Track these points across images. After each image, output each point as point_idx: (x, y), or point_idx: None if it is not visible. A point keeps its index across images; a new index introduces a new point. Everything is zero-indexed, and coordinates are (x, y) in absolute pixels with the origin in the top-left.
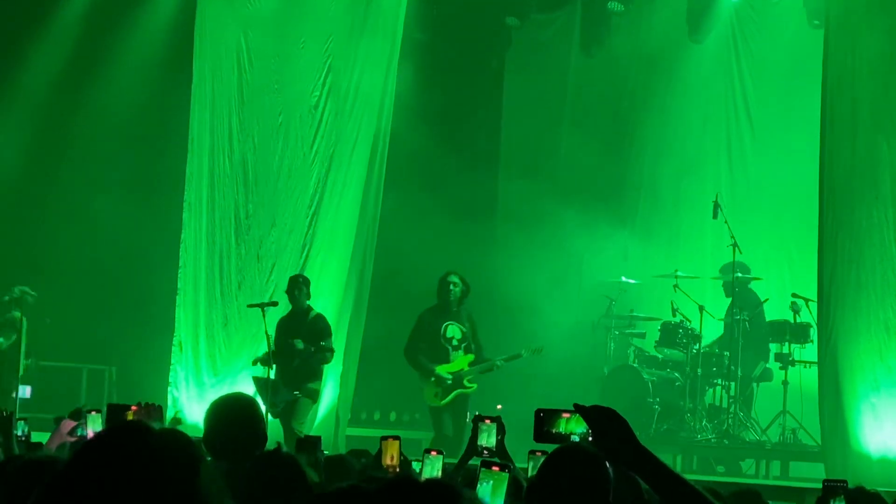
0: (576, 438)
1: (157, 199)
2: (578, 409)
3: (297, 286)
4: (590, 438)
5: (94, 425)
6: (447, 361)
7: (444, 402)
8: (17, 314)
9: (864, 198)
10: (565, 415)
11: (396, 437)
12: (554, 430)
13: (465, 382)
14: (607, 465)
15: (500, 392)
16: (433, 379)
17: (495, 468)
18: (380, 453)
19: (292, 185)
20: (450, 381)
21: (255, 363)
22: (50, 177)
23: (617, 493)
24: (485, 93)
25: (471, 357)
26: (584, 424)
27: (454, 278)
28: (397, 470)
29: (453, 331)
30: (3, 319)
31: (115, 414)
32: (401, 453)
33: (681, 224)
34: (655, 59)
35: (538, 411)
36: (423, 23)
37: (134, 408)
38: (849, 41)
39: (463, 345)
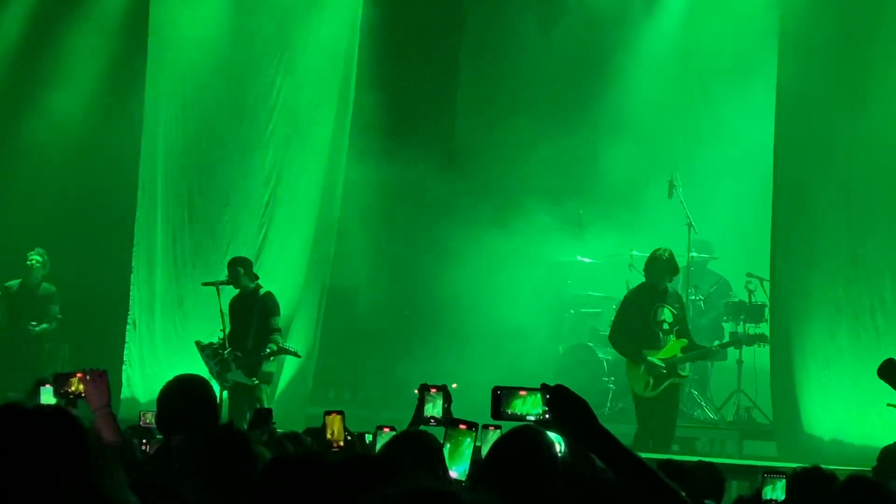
0: (531, 418)
1: (111, 177)
2: (545, 389)
3: (235, 269)
4: (546, 417)
5: (46, 398)
6: (657, 347)
7: (655, 392)
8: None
9: (818, 178)
10: (522, 393)
11: (340, 412)
12: (510, 410)
13: (679, 371)
14: (556, 447)
15: (455, 370)
16: (643, 367)
17: (462, 426)
18: (324, 427)
19: (247, 164)
20: (663, 370)
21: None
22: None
23: (572, 471)
24: (441, 72)
25: (684, 342)
26: (541, 404)
27: (662, 253)
28: (341, 444)
29: (665, 314)
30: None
31: (60, 382)
32: (345, 428)
33: (637, 203)
34: (611, 39)
35: (495, 389)
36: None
37: (79, 374)
38: (804, 19)
39: (675, 328)
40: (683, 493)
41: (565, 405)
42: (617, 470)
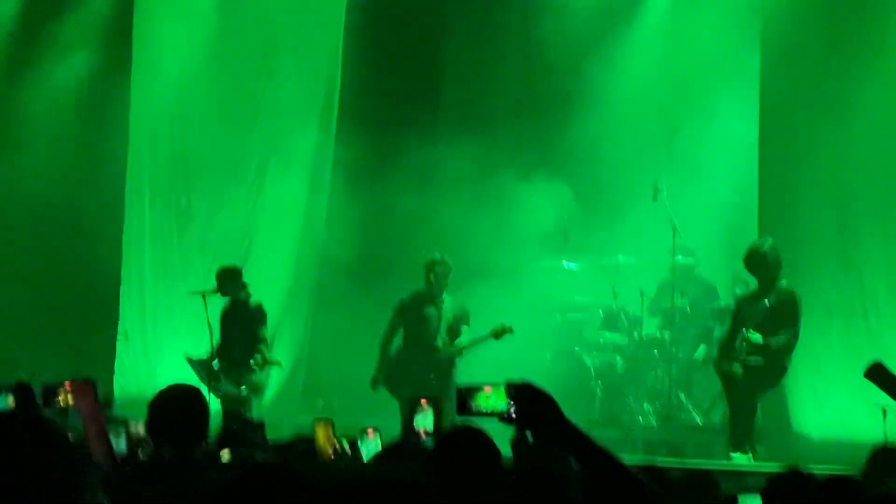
0: (496, 415)
1: (98, 186)
2: (509, 388)
3: (222, 278)
4: (512, 414)
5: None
6: None
7: None
8: None
9: (804, 181)
10: (486, 389)
11: (329, 421)
12: (475, 407)
13: None
14: (495, 446)
15: None
16: None
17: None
18: (313, 436)
19: (232, 172)
20: None
21: (188, 359)
22: None
23: (537, 468)
24: (425, 70)
25: None
26: (505, 400)
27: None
28: (331, 455)
29: None
30: None
31: (48, 393)
32: (334, 436)
33: (622, 207)
34: (591, 45)
35: (459, 389)
36: (363, 2)
37: (67, 384)
38: (786, 23)
39: None
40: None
41: (531, 400)
42: (585, 464)
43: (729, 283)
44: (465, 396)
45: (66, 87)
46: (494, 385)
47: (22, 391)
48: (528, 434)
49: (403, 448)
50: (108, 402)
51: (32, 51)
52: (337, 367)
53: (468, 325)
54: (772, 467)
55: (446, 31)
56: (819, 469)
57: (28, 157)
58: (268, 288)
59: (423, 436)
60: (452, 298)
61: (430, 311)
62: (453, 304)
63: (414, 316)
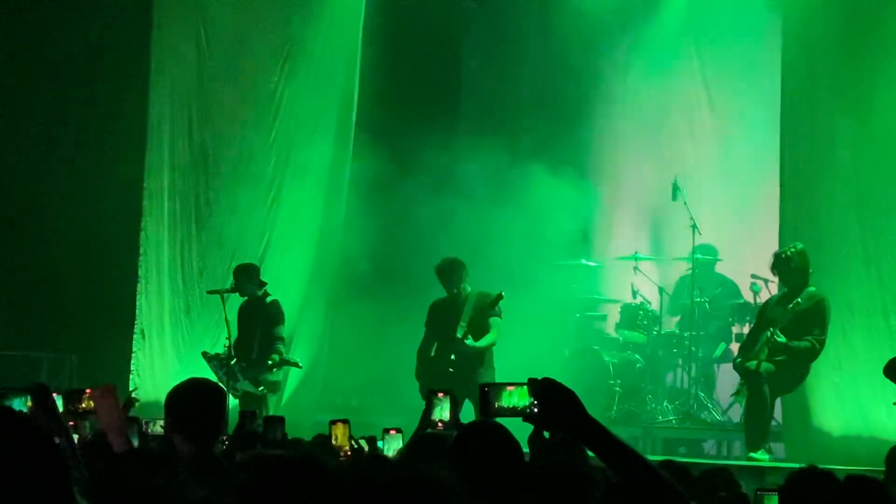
0: (519, 411)
1: (117, 185)
2: (531, 383)
3: (240, 276)
4: (534, 410)
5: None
6: None
7: None
8: None
9: (825, 179)
10: (509, 387)
11: (345, 421)
12: (498, 405)
13: None
14: (515, 440)
15: None
16: None
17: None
18: (330, 435)
19: (251, 170)
20: None
21: (205, 355)
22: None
23: (560, 464)
24: (443, 75)
25: None
26: (527, 396)
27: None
28: (347, 452)
29: None
30: None
31: (70, 399)
32: (350, 436)
33: (642, 205)
34: (615, 42)
35: (482, 386)
36: (382, 6)
37: (89, 391)
38: (807, 17)
39: None
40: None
41: (553, 397)
42: (609, 461)
43: (749, 280)
44: (488, 394)
45: (84, 88)
46: (517, 383)
47: (39, 392)
48: (546, 432)
49: (428, 440)
50: (131, 403)
51: (45, 49)
52: (356, 367)
53: (497, 315)
54: (791, 466)
55: (465, 35)
56: (840, 468)
57: (44, 160)
58: (285, 288)
59: (440, 427)
60: (479, 290)
61: (448, 306)
62: (479, 296)
63: (435, 315)
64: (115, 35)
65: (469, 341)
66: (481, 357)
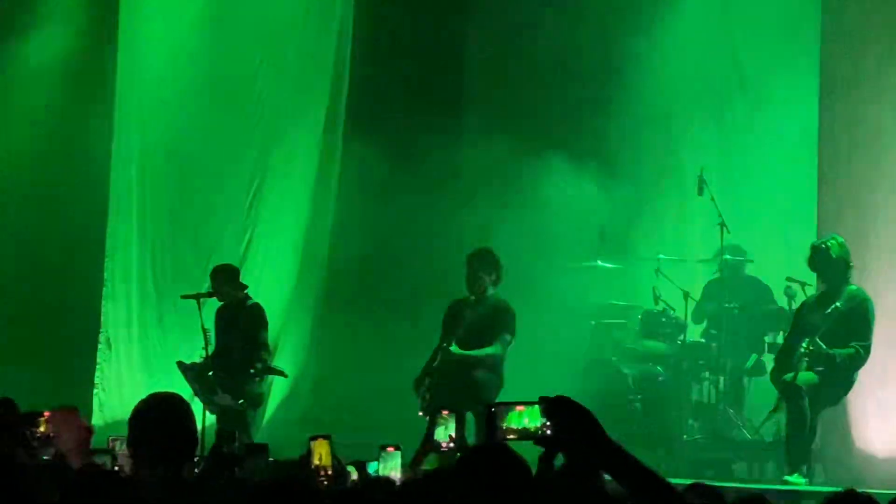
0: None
1: (79, 180)
2: (542, 402)
3: (217, 279)
4: (546, 432)
5: None
6: None
7: None
8: None
9: (867, 172)
10: (519, 407)
11: (326, 437)
12: (506, 427)
13: None
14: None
15: None
16: None
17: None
18: (309, 454)
19: (229, 166)
20: None
21: (180, 365)
22: None
23: (572, 488)
24: (446, 57)
25: None
26: (539, 419)
27: None
28: (329, 472)
29: None
30: None
31: (26, 424)
32: (332, 454)
33: (664, 202)
34: (635, 22)
35: (489, 408)
36: None
37: (47, 414)
38: (847, 3)
39: None
40: None
41: (568, 417)
42: (629, 486)
43: (783, 284)
44: (495, 416)
45: (45, 78)
46: (527, 402)
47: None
48: (559, 454)
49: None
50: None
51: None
52: (346, 379)
53: (509, 333)
54: (830, 490)
55: (470, 18)
56: (884, 492)
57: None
58: (268, 292)
59: (443, 448)
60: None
61: (454, 312)
62: (494, 303)
63: (447, 318)
64: (76, 21)
65: (454, 348)
66: (477, 362)
